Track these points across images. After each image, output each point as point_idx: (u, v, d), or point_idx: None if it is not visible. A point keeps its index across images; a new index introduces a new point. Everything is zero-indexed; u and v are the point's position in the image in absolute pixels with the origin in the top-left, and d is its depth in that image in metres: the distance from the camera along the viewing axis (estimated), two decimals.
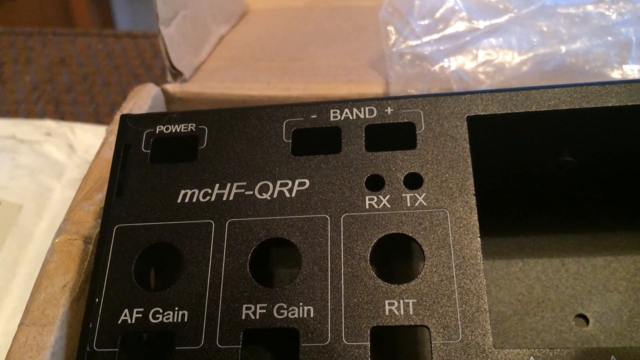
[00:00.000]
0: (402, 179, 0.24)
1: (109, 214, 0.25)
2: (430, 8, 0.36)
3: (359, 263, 0.23)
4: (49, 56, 0.64)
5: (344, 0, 0.52)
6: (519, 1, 0.35)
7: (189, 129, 0.27)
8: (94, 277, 0.24)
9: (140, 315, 0.23)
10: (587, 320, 0.29)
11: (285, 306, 0.22)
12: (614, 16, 0.34)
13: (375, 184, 0.24)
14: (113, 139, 0.28)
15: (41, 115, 0.56)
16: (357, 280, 0.22)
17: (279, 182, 0.25)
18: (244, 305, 0.23)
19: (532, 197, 0.31)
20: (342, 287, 0.22)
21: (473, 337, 0.21)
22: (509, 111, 0.25)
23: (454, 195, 0.24)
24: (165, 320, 0.23)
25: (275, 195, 0.25)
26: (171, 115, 0.27)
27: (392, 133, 0.26)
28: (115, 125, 0.29)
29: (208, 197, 0.25)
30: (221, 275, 0.23)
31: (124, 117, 0.28)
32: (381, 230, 0.23)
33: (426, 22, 0.36)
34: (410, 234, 0.23)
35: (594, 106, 0.24)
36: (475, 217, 0.23)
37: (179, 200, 0.25)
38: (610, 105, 0.24)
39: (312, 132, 0.26)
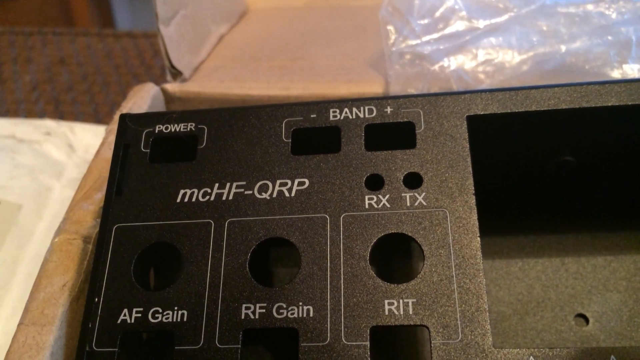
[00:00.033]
0: (402, 178, 0.24)
1: (109, 213, 0.25)
2: (430, 7, 0.36)
3: (359, 263, 0.23)
4: (49, 56, 0.64)
5: (343, 0, 0.52)
6: (519, 0, 0.35)
7: (188, 129, 0.27)
8: (93, 276, 0.24)
9: (139, 314, 0.23)
10: (587, 320, 0.29)
11: (284, 306, 0.22)
12: (614, 15, 0.33)
13: (375, 183, 0.24)
14: (112, 138, 0.28)
15: (41, 114, 0.56)
16: (357, 279, 0.22)
17: (278, 182, 0.25)
18: (244, 305, 0.23)
19: (532, 197, 0.30)
20: (342, 286, 0.22)
21: (473, 337, 0.21)
22: (509, 110, 0.25)
23: (454, 195, 0.24)
24: (164, 320, 0.23)
25: (274, 195, 0.25)
26: (171, 115, 0.27)
27: (392, 132, 0.26)
28: (114, 125, 0.29)
29: (207, 197, 0.25)
30: (220, 275, 0.23)
31: (123, 117, 0.28)
32: (381, 230, 0.23)
33: (426, 21, 0.36)
34: (409, 234, 0.23)
35: (593, 106, 0.24)
36: (474, 216, 0.23)
37: (178, 200, 0.25)
38: (610, 104, 0.24)
39: (311, 132, 0.26)
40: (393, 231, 0.23)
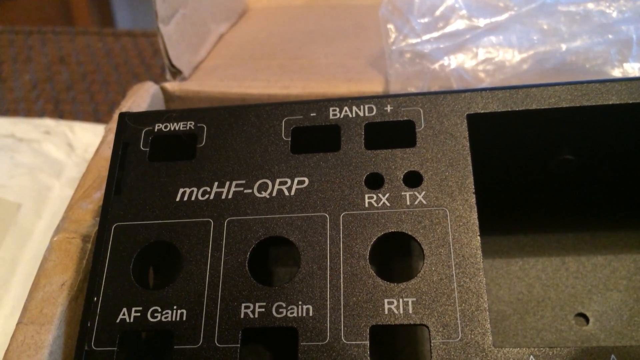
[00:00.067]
0: (402, 177, 0.24)
1: (108, 212, 0.25)
2: (430, 6, 0.36)
3: (358, 262, 0.23)
4: (49, 55, 0.64)
5: None
6: None
7: (187, 127, 0.27)
8: (92, 275, 0.24)
9: (138, 314, 0.23)
10: (587, 319, 0.28)
11: (284, 305, 0.22)
12: (614, 14, 0.33)
13: (375, 182, 0.24)
14: (112, 137, 0.28)
15: (40, 114, 0.56)
16: (357, 279, 0.22)
17: (278, 181, 0.25)
18: (243, 304, 0.23)
19: (532, 196, 0.30)
20: (342, 285, 0.22)
21: (473, 336, 0.21)
22: (509, 109, 0.25)
23: (454, 194, 0.23)
24: (163, 319, 0.23)
25: (274, 194, 0.25)
26: (170, 114, 0.27)
27: (392, 131, 0.26)
28: (114, 124, 0.29)
29: (207, 196, 0.25)
30: (220, 274, 0.23)
31: (122, 115, 0.28)
32: (380, 229, 0.23)
33: (426, 20, 0.36)
34: (409, 233, 0.23)
35: (594, 104, 0.24)
36: (475, 215, 0.23)
37: (177, 199, 0.25)
38: (610, 103, 0.24)
39: (311, 130, 0.26)
40: (393, 230, 0.23)
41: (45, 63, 0.63)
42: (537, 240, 0.31)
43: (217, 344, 0.22)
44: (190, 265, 0.24)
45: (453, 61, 0.34)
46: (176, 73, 0.39)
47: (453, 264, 0.22)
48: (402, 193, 0.24)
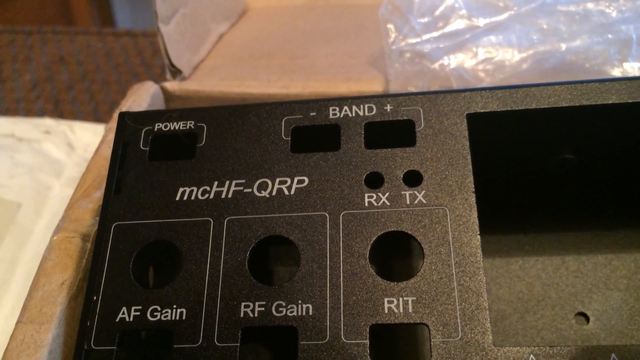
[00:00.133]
0: (402, 176, 0.24)
1: (107, 211, 0.25)
2: (430, 6, 0.36)
3: (358, 261, 0.23)
4: (49, 54, 0.64)
5: None
6: None
7: (187, 127, 0.27)
8: (91, 274, 0.24)
9: (138, 313, 0.23)
10: (587, 319, 0.28)
11: (284, 304, 0.22)
12: (614, 14, 0.33)
13: (375, 181, 0.24)
14: (112, 137, 0.28)
15: (40, 113, 0.56)
16: (356, 278, 0.22)
17: (277, 180, 0.25)
18: (243, 303, 0.23)
19: (532, 195, 0.30)
20: (341, 285, 0.22)
21: (473, 335, 0.21)
22: (509, 108, 0.25)
23: (454, 193, 0.23)
24: (163, 318, 0.23)
25: (274, 193, 0.25)
26: (170, 113, 0.27)
27: (392, 130, 0.26)
28: (114, 124, 0.29)
29: (207, 195, 0.25)
30: (220, 273, 0.23)
31: (122, 115, 0.28)
32: (380, 228, 0.23)
33: (426, 19, 0.36)
34: (409, 232, 0.23)
35: (594, 103, 0.24)
36: (474, 214, 0.23)
37: (177, 198, 0.25)
38: (610, 102, 0.24)
39: (311, 130, 0.26)
40: (393, 229, 0.23)
41: (45, 63, 0.63)
42: (537, 239, 0.31)
43: (216, 343, 0.22)
44: (190, 264, 0.24)
45: (453, 61, 0.34)
46: (176, 73, 0.39)
47: (453, 263, 0.22)
48: (402, 192, 0.24)
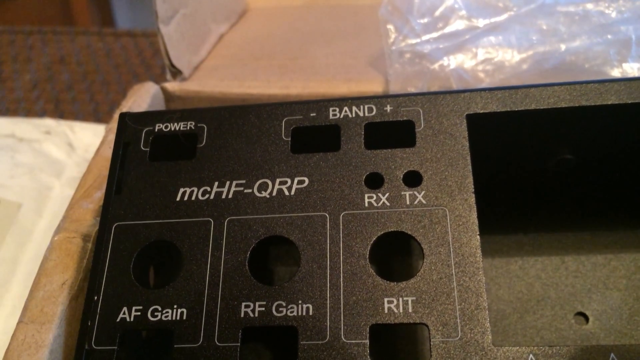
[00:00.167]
0: (402, 176, 0.24)
1: (108, 211, 0.25)
2: (429, 6, 0.36)
3: (358, 261, 0.23)
4: (49, 55, 0.64)
5: None
6: None
7: (188, 127, 0.27)
8: (92, 275, 0.24)
9: (139, 313, 0.23)
10: (586, 318, 0.29)
11: (284, 304, 0.22)
12: (613, 14, 0.33)
13: (375, 182, 0.24)
14: (112, 137, 0.28)
15: (41, 113, 0.56)
16: (356, 278, 0.22)
17: (278, 180, 0.25)
18: (243, 303, 0.23)
19: (532, 195, 0.30)
20: (341, 285, 0.22)
21: (472, 335, 0.21)
22: (509, 109, 0.25)
23: (454, 193, 0.24)
24: (164, 318, 0.23)
25: (274, 194, 0.25)
26: (170, 114, 0.27)
27: (392, 131, 0.26)
28: (114, 124, 0.29)
29: (207, 195, 0.25)
30: (220, 273, 0.23)
31: (123, 116, 0.28)
32: (380, 228, 0.23)
33: (426, 20, 0.36)
34: (409, 232, 0.23)
35: (593, 104, 0.24)
36: (474, 214, 0.23)
37: (178, 198, 0.25)
38: (609, 103, 0.24)
39: (311, 130, 0.26)
40: (393, 229, 0.23)
41: (45, 63, 0.63)
42: (537, 239, 0.31)
43: (217, 342, 0.22)
44: (190, 264, 0.24)
45: (452, 61, 0.34)
46: (176, 73, 0.39)
47: (453, 263, 0.22)
48: (402, 193, 0.24)
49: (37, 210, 0.44)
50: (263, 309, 0.22)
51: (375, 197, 0.24)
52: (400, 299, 0.22)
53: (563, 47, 0.33)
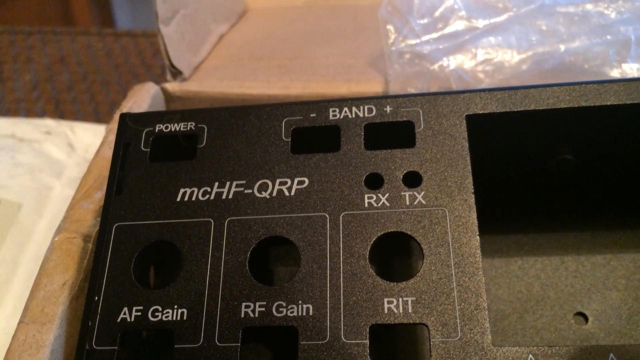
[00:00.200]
0: (401, 177, 0.24)
1: (109, 212, 0.25)
2: (429, 7, 0.36)
3: (358, 261, 0.23)
4: (49, 55, 0.64)
5: None
6: (519, 0, 0.35)
7: (188, 128, 0.27)
8: (93, 275, 0.24)
9: (139, 313, 0.23)
10: (586, 319, 0.29)
11: (284, 304, 0.22)
12: (613, 15, 0.34)
13: (375, 182, 0.24)
14: (113, 137, 0.28)
15: (41, 114, 0.56)
16: (356, 278, 0.23)
17: (278, 181, 0.25)
18: (243, 304, 0.23)
19: (531, 196, 0.31)
20: (341, 285, 0.23)
21: (472, 335, 0.21)
22: (508, 110, 0.25)
23: (453, 194, 0.24)
24: (164, 319, 0.23)
25: (274, 194, 0.25)
26: (171, 114, 0.27)
27: (391, 132, 0.26)
28: (114, 124, 0.29)
29: (207, 196, 0.25)
30: (220, 274, 0.23)
31: (123, 116, 0.28)
32: (380, 229, 0.23)
33: (425, 21, 0.36)
34: (409, 232, 0.23)
35: (592, 105, 0.25)
36: (474, 215, 0.23)
37: (178, 199, 0.25)
38: (609, 103, 0.24)
39: (311, 131, 0.26)
40: (392, 230, 0.23)
41: (45, 63, 0.63)
42: (536, 239, 0.31)
43: (217, 343, 0.22)
44: (190, 264, 0.24)
45: (452, 62, 0.35)
46: (176, 73, 0.39)
47: (452, 264, 0.22)
48: (402, 193, 0.24)
49: (38, 211, 0.44)
50: (263, 309, 0.22)
51: (375, 198, 0.24)
52: (400, 299, 0.22)
53: (562, 47, 0.33)
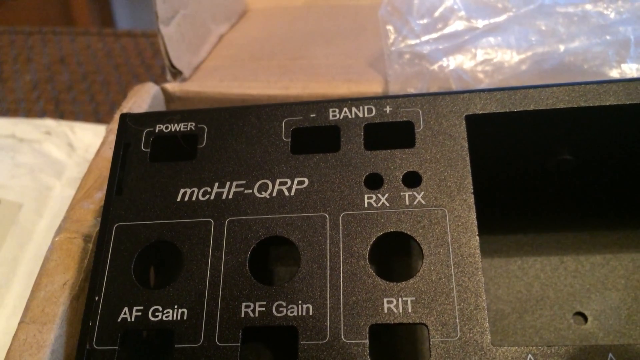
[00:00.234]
0: (401, 177, 0.24)
1: (109, 212, 0.25)
2: (429, 7, 0.36)
3: (358, 261, 0.23)
4: (49, 55, 0.64)
5: None
6: (518, 0, 0.35)
7: (188, 128, 0.27)
8: (93, 275, 0.24)
9: (139, 313, 0.23)
10: (585, 318, 0.29)
11: (284, 304, 0.23)
12: (612, 15, 0.34)
13: (374, 182, 0.25)
14: (113, 138, 0.28)
15: (41, 114, 0.56)
16: (356, 278, 0.23)
17: (278, 181, 0.25)
18: (243, 304, 0.23)
19: (531, 196, 0.31)
20: (341, 285, 0.23)
21: (471, 335, 0.21)
22: (508, 110, 0.25)
23: (453, 194, 0.24)
24: (164, 318, 0.23)
25: (274, 194, 0.25)
26: (171, 115, 0.27)
27: (391, 132, 0.26)
28: (115, 125, 0.29)
29: (207, 196, 0.25)
30: (220, 274, 0.23)
31: (123, 116, 0.28)
32: (380, 229, 0.23)
33: (425, 21, 0.36)
34: (409, 233, 0.23)
35: (592, 105, 0.25)
36: (473, 215, 0.23)
37: (178, 199, 0.25)
38: (608, 104, 0.24)
39: (311, 131, 0.26)
40: (392, 230, 0.23)
41: (45, 63, 0.63)
42: (536, 239, 0.31)
43: (217, 342, 0.22)
44: (191, 264, 0.24)
45: (452, 62, 0.35)
46: (176, 74, 0.40)
47: (452, 264, 0.22)
48: (402, 193, 0.24)
49: (38, 211, 0.44)
50: (263, 309, 0.23)
51: (374, 198, 0.24)
52: (400, 299, 0.22)
53: (562, 47, 0.33)
